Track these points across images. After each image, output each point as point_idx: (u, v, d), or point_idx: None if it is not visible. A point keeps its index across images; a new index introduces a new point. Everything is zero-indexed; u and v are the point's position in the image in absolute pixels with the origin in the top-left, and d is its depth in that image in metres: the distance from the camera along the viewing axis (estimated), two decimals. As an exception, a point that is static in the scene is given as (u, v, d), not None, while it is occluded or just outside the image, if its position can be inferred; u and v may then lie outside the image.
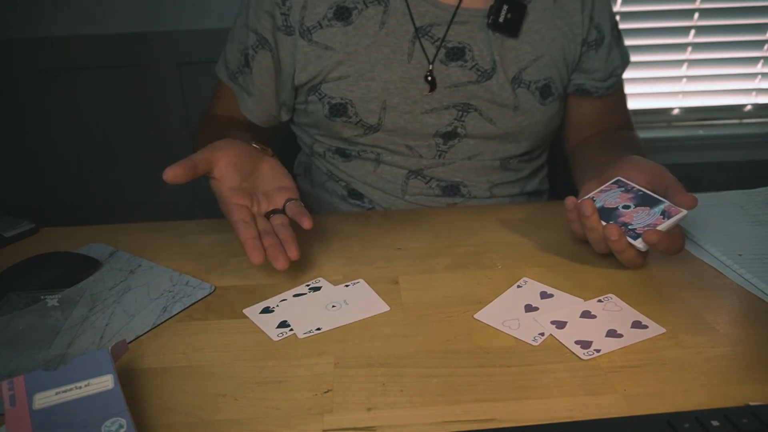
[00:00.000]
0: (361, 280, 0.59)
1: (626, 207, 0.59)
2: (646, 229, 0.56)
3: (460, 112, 0.79)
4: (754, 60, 1.51)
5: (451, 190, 0.84)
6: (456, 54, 0.77)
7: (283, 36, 0.77)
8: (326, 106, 0.78)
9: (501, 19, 0.76)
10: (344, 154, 0.84)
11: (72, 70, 1.34)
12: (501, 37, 0.77)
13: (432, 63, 0.77)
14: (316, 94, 0.79)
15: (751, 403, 0.41)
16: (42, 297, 0.56)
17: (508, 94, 0.78)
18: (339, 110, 0.78)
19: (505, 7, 0.76)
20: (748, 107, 1.58)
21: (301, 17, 0.76)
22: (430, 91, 0.77)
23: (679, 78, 1.52)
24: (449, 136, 0.80)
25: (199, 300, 0.57)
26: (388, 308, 0.55)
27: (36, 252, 0.62)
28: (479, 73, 0.78)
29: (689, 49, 1.48)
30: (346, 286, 0.58)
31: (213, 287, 0.59)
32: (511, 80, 0.78)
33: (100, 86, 1.37)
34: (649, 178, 0.61)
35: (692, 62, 1.50)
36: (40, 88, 1.36)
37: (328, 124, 0.81)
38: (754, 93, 1.56)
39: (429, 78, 0.77)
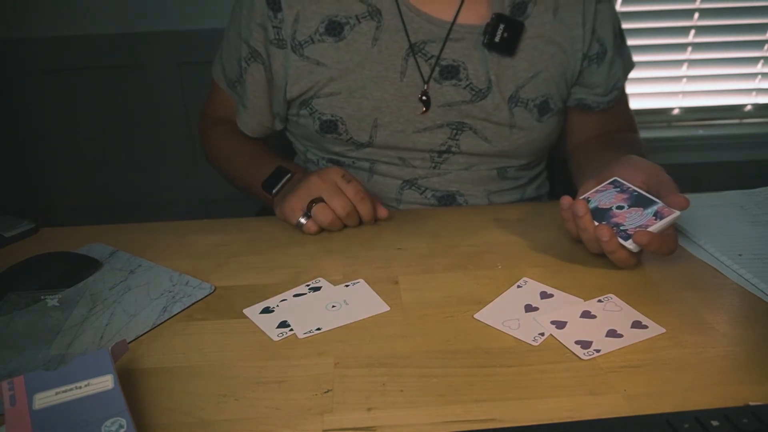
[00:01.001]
0: (361, 280, 0.59)
1: (620, 207, 0.59)
2: (637, 230, 0.56)
3: (454, 131, 0.78)
4: (754, 60, 1.51)
5: (447, 199, 0.82)
6: (450, 72, 0.75)
7: (275, 49, 0.76)
8: (317, 121, 0.78)
9: (497, 39, 0.74)
10: (337, 164, 0.83)
11: (72, 70, 1.34)
12: (497, 55, 0.75)
13: (427, 83, 0.75)
14: (307, 108, 0.78)
15: (751, 403, 0.41)
16: (42, 297, 0.56)
17: (504, 114, 0.77)
18: (329, 127, 0.77)
19: (502, 26, 0.74)
20: (748, 107, 1.58)
21: (293, 31, 0.74)
22: (424, 112, 0.76)
23: (679, 78, 1.52)
24: (443, 152, 0.79)
25: (199, 300, 0.57)
26: (388, 308, 0.55)
27: (36, 252, 0.62)
28: (474, 92, 0.76)
29: (689, 49, 1.48)
30: (346, 286, 0.58)
31: (213, 287, 0.59)
32: (508, 99, 0.77)
33: (100, 86, 1.37)
34: (644, 178, 0.61)
35: (692, 62, 1.50)
36: (40, 88, 1.36)
37: (319, 139, 0.80)
38: (754, 93, 1.56)
39: (423, 98, 0.76)
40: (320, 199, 0.68)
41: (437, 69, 0.75)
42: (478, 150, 0.79)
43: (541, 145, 0.83)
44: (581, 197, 0.62)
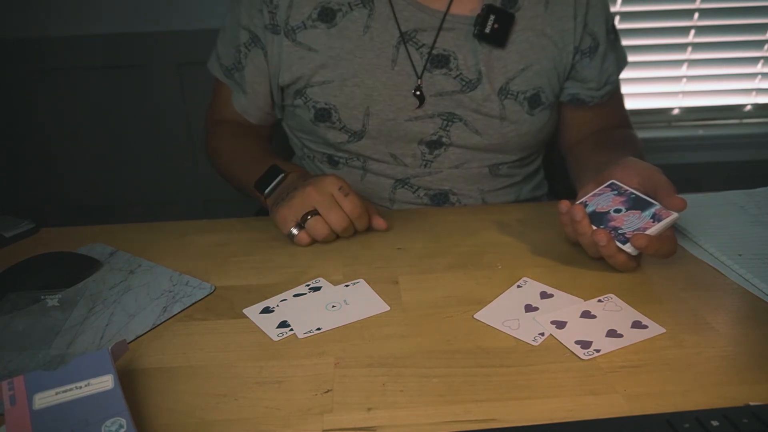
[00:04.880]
0: (361, 280, 0.59)
1: (618, 211, 0.59)
2: (635, 233, 0.56)
3: (445, 122, 0.78)
4: (754, 60, 1.51)
5: (440, 198, 0.83)
6: (441, 61, 0.76)
7: (270, 35, 0.77)
8: (311, 110, 0.78)
9: (487, 30, 0.74)
10: (332, 161, 0.84)
11: (72, 70, 1.34)
12: (488, 46, 0.76)
13: (420, 77, 0.76)
14: (302, 98, 0.78)
15: (751, 403, 0.41)
16: (42, 297, 0.56)
17: (494, 105, 0.77)
18: (323, 115, 0.78)
19: (492, 17, 0.74)
20: (748, 107, 1.58)
21: (287, 16, 0.76)
22: (419, 107, 0.76)
23: (679, 78, 1.52)
24: (434, 145, 0.79)
25: (199, 300, 0.57)
26: (388, 308, 0.55)
27: (36, 252, 0.62)
28: (464, 83, 0.76)
29: (689, 49, 1.48)
30: (346, 286, 0.58)
31: (213, 287, 0.59)
32: (498, 91, 0.77)
33: (100, 86, 1.37)
34: (640, 179, 0.61)
35: (692, 62, 1.50)
36: (40, 88, 1.36)
37: (314, 129, 0.80)
38: (754, 93, 1.56)
39: (417, 93, 0.76)
40: (315, 212, 0.65)
41: (429, 58, 0.76)
42: (469, 143, 0.79)
43: (533, 139, 0.82)
44: (578, 201, 0.62)
